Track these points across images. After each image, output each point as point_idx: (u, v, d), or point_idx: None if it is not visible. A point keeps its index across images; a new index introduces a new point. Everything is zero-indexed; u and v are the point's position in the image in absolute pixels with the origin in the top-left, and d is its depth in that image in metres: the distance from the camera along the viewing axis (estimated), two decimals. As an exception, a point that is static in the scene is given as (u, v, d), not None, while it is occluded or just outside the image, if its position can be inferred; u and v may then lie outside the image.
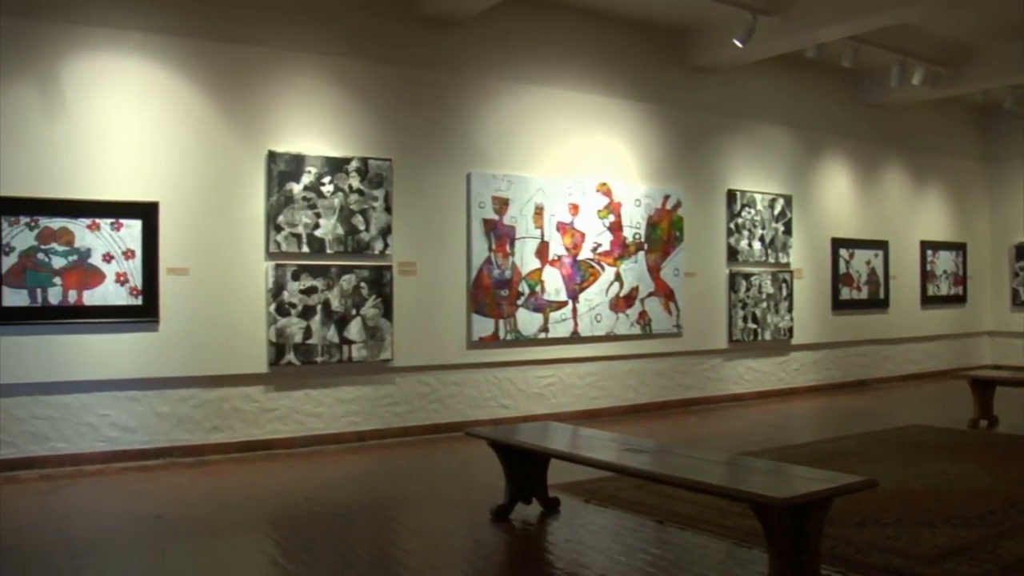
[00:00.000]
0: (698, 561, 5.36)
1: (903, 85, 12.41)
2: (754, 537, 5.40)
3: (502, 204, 10.35)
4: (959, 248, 16.41)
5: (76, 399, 8.17)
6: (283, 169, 9.04)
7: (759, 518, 4.57)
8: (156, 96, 8.54)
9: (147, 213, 8.41)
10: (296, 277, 9.09)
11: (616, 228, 11.30)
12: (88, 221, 8.17)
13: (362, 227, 9.46)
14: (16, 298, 7.91)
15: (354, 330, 9.39)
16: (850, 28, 10.73)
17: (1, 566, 5.34)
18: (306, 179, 9.15)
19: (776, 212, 13.03)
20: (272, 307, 8.97)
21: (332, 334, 9.27)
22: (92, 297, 8.19)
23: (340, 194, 9.33)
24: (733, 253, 12.55)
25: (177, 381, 8.58)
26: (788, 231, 13.18)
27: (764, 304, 12.85)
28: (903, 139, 15.24)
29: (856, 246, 14.35)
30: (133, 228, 8.35)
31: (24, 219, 7.93)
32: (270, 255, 9.00)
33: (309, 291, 9.15)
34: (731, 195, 12.54)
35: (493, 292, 10.28)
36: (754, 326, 12.75)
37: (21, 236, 7.93)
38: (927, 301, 15.77)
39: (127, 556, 5.62)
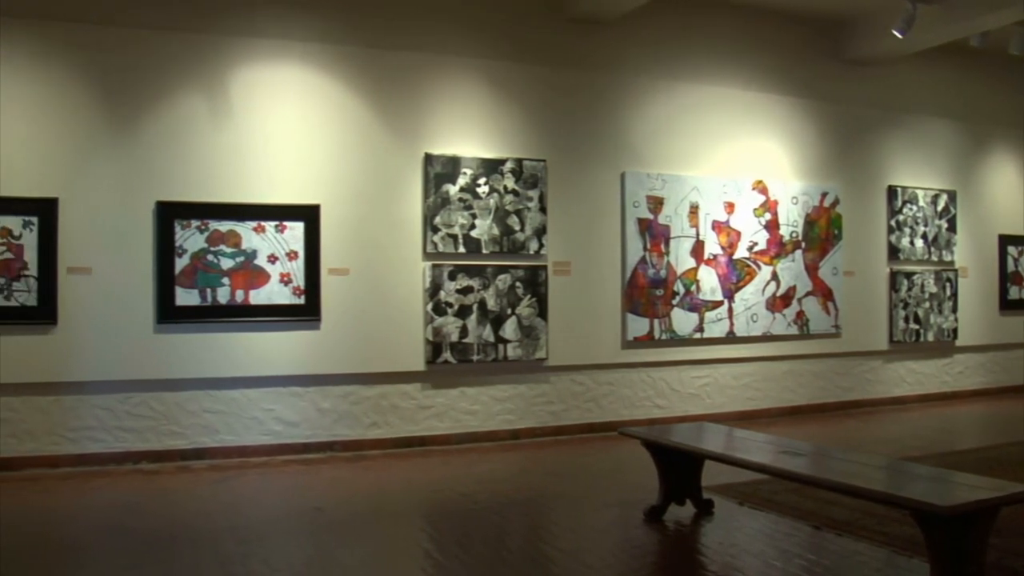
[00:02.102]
0: (855, 568, 4.97)
1: (1078, 73, 11.40)
2: (915, 546, 5.00)
3: (657, 203, 9.82)
4: None
5: (243, 394, 8.15)
6: (439, 171, 8.81)
7: (920, 526, 4.23)
8: (317, 102, 8.46)
9: (309, 215, 8.31)
10: (452, 277, 8.85)
11: (772, 226, 10.60)
12: (254, 224, 8.13)
13: (517, 227, 9.15)
14: (188, 297, 7.93)
15: (509, 329, 9.09)
16: (1017, 13, 9.63)
17: (175, 551, 5.38)
18: (462, 180, 8.89)
19: (939, 208, 12.00)
20: (429, 306, 8.75)
21: (488, 333, 8.99)
22: (258, 296, 8.14)
23: (495, 195, 9.04)
24: (894, 251, 11.60)
25: (338, 378, 8.47)
26: (952, 228, 12.11)
27: (927, 304, 11.86)
28: (1077, 129, 13.90)
29: (1026, 243, 13.24)
30: (296, 230, 8.28)
31: (195, 222, 7.95)
32: (427, 255, 8.79)
33: (465, 291, 8.90)
34: (891, 191, 11.60)
35: (648, 291, 9.76)
36: (916, 327, 11.78)
37: (192, 239, 7.95)
38: (1102, 301, 14.43)
39: (289, 545, 5.60)
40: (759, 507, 6.28)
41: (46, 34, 7.67)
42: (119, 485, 7.20)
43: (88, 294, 7.70)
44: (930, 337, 11.92)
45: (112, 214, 7.78)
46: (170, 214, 7.90)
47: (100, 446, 7.76)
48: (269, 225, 8.19)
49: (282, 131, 8.34)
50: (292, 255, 8.27)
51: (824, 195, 10.99)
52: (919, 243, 11.83)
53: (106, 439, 7.78)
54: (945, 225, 12.07)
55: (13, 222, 7.52)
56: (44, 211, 7.59)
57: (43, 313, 7.57)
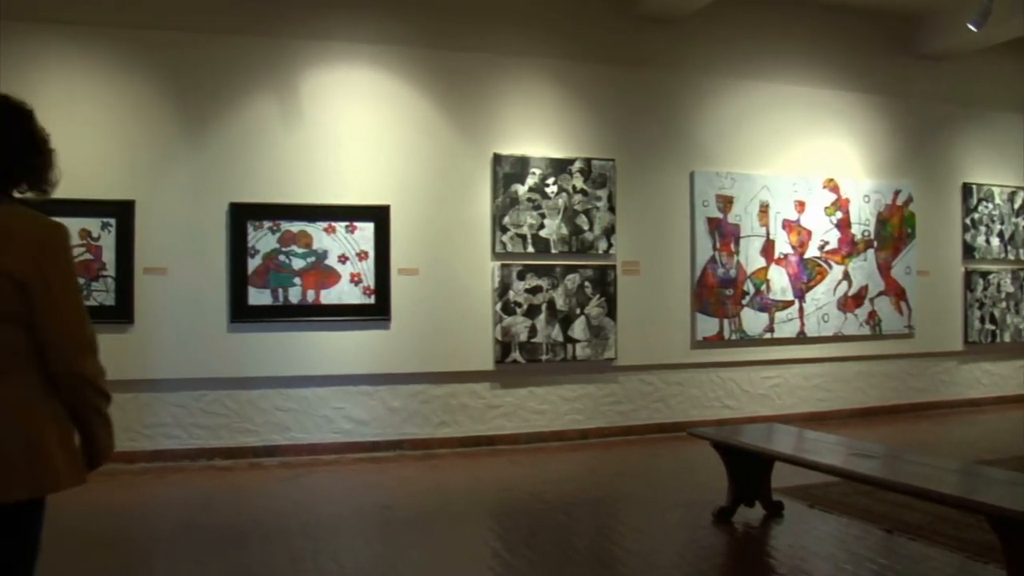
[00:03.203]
0: (928, 574, 4.75)
1: None
2: (990, 552, 4.71)
3: (726, 202, 9.45)
4: None
5: (313, 393, 8.03)
6: (508, 171, 8.58)
7: (996, 532, 4.01)
8: (386, 104, 8.29)
9: (379, 216, 8.15)
10: (521, 277, 8.63)
11: (844, 225, 10.14)
12: (324, 224, 7.99)
13: (586, 227, 8.88)
14: (260, 297, 7.84)
15: (578, 329, 8.83)
16: (1100, 4, 9.28)
17: (246, 547, 5.34)
18: (530, 180, 8.66)
19: (1016, 206, 11.34)
20: (498, 306, 8.54)
21: (556, 333, 8.74)
22: (328, 296, 8.00)
23: (564, 194, 8.78)
24: (969, 250, 11.05)
25: (407, 377, 8.29)
26: (1029, 226, 11.67)
27: (1003, 304, 11.30)
28: None
29: (1105, 242, 12.60)
30: (366, 230, 8.13)
31: (267, 223, 7.84)
32: (496, 255, 8.58)
33: (534, 290, 8.67)
34: (966, 189, 11.03)
35: (717, 291, 9.41)
36: (992, 327, 11.19)
37: (264, 239, 7.85)
38: None
39: (359, 542, 5.54)
40: (830, 510, 6.06)
41: (124, 40, 7.64)
42: (193, 481, 7.13)
43: (164, 294, 7.64)
44: (1007, 338, 11.36)
45: (186, 216, 7.72)
46: (243, 215, 7.80)
47: (175, 443, 7.70)
48: (339, 226, 8.06)
49: (352, 133, 8.19)
50: (362, 255, 8.14)
51: (897, 193, 10.55)
52: (995, 241, 11.30)
53: (181, 436, 7.74)
54: (1023, 223, 11.58)
55: (92, 224, 7.50)
56: (122, 213, 7.57)
57: (120, 312, 7.52)
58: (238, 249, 7.81)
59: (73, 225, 7.42)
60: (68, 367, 2.44)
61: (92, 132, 7.55)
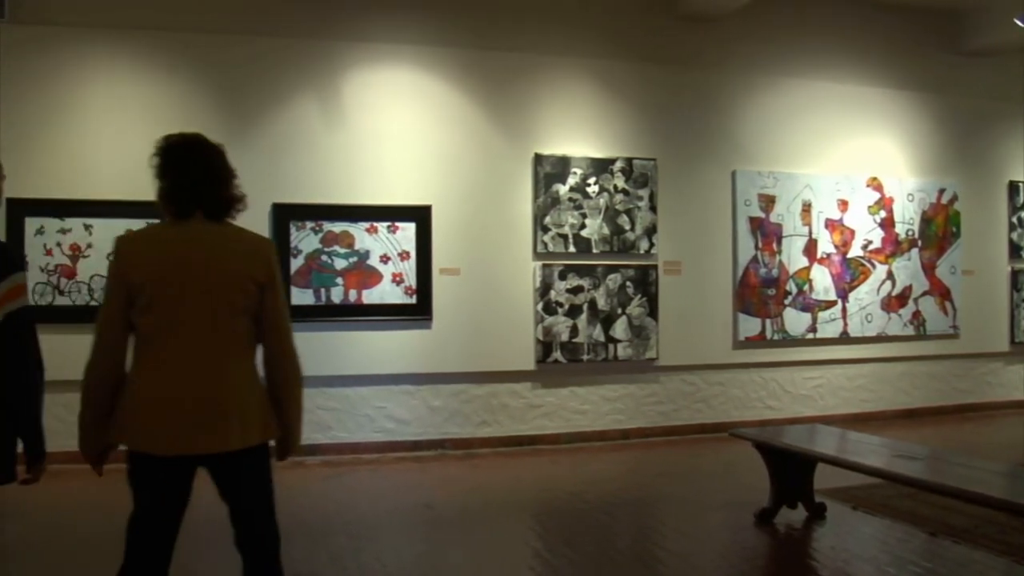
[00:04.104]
0: None
1: None
2: None
3: (768, 201, 9.24)
4: None
5: (355, 392, 7.95)
6: (549, 171, 8.45)
7: None
8: (427, 104, 8.20)
9: (421, 216, 8.05)
10: (563, 276, 8.49)
11: (888, 224, 9.88)
12: (367, 224, 7.92)
13: (627, 227, 8.74)
14: (303, 297, 7.78)
15: (619, 329, 8.68)
16: None
17: (289, 544, 5.23)
18: (572, 180, 8.53)
19: (1064, 205, 11.29)
20: (539, 306, 8.41)
21: (598, 333, 8.62)
22: (370, 296, 7.93)
23: (605, 194, 8.65)
24: (1016, 249, 10.70)
25: (449, 376, 8.20)
26: (1077, 225, 11.38)
27: (1050, 304, 11.19)
28: None
29: None
30: (408, 230, 8.05)
31: (310, 224, 7.79)
32: (537, 255, 8.45)
33: (575, 290, 8.53)
34: (1013, 187, 10.70)
35: (760, 291, 9.21)
36: (1039, 327, 11.10)
37: (307, 240, 7.80)
38: None
39: (400, 541, 5.54)
40: (873, 512, 5.96)
41: (168, 43, 7.62)
42: (237, 480, 7.14)
43: (208, 294, 7.66)
44: (1054, 338, 11.14)
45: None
46: (286, 215, 7.74)
47: (220, 441, 7.71)
48: (381, 226, 7.99)
49: (394, 133, 8.10)
50: (404, 255, 8.06)
51: (941, 191, 10.29)
52: (1042, 241, 11.07)
53: (225, 435, 7.73)
54: (1070, 222, 11.27)
55: (137, 226, 7.47)
56: (166, 214, 7.58)
57: (166, 312, 7.55)
58: (281, 249, 7.74)
59: (118, 228, 7.36)
60: (283, 350, 3.10)
61: (136, 134, 7.47)
